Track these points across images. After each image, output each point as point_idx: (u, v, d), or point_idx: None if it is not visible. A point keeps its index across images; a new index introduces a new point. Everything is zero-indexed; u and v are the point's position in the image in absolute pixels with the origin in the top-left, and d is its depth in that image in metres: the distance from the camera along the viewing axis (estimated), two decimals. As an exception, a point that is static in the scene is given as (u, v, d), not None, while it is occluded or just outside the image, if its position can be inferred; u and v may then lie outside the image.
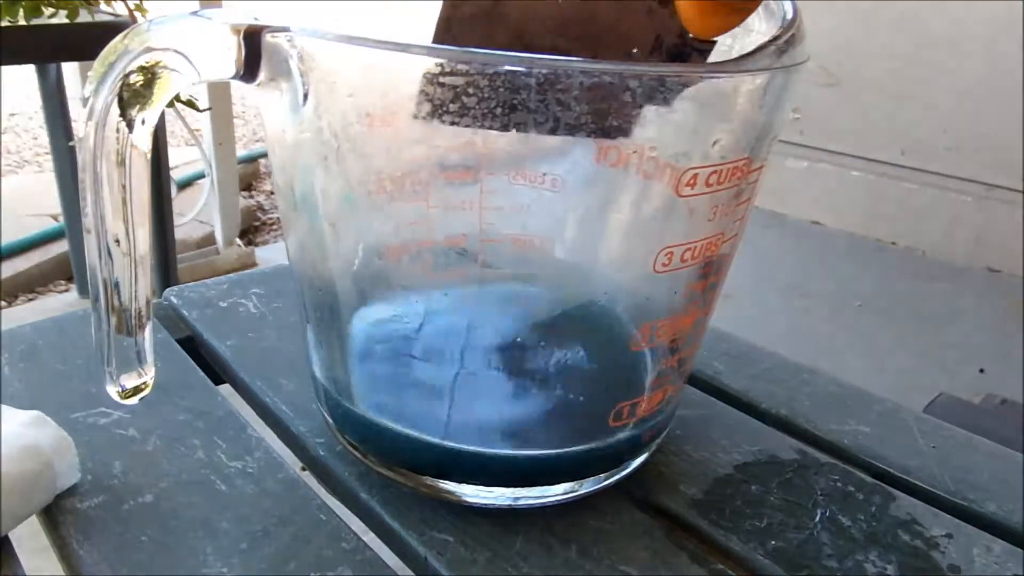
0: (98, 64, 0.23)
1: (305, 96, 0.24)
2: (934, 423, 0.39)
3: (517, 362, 0.30)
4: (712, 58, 0.30)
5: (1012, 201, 1.76)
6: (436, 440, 0.29)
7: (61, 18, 0.95)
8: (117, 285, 0.25)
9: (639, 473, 0.33)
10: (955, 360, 1.40)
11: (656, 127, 0.25)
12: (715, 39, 0.27)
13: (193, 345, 0.42)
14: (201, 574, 0.27)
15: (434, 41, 0.26)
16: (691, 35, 0.26)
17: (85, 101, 0.23)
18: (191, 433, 0.34)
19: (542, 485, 0.30)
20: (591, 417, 0.30)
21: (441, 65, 0.22)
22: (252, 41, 0.24)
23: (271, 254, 1.74)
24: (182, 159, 2.01)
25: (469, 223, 0.26)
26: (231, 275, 0.48)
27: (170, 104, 0.50)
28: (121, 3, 1.03)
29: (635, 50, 0.26)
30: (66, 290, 1.57)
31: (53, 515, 0.29)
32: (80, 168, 0.23)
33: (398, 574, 0.27)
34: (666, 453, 0.35)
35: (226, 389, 0.39)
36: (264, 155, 2.25)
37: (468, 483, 0.30)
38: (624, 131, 0.24)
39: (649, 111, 0.23)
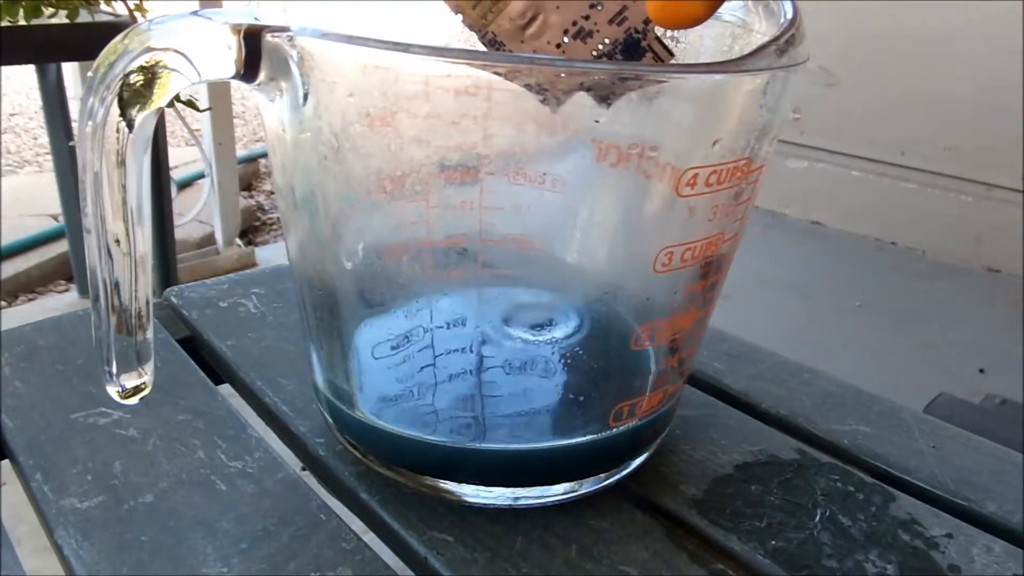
0: (98, 64, 0.23)
1: (305, 96, 0.24)
2: (934, 423, 0.39)
3: (517, 362, 0.30)
4: (712, 58, 0.30)
5: (1012, 201, 1.76)
6: (436, 440, 0.29)
7: (61, 18, 0.95)
8: (117, 285, 0.25)
9: (639, 473, 0.33)
10: (955, 360, 1.40)
11: (656, 127, 0.25)
12: (672, 50, 0.27)
13: (193, 345, 0.42)
14: (201, 574, 0.27)
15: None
16: (654, 25, 0.26)
17: (85, 101, 0.23)
18: (191, 433, 0.34)
19: (542, 485, 0.30)
20: (591, 417, 0.30)
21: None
22: (252, 41, 0.24)
23: (271, 254, 1.74)
24: (182, 159, 2.01)
25: (469, 223, 0.26)
26: (231, 275, 0.48)
27: (170, 104, 0.50)
28: (121, 3, 1.03)
29: (600, 7, 0.26)
30: (66, 290, 1.56)
31: (53, 515, 0.29)
32: (80, 168, 0.23)
33: (398, 574, 0.27)
34: (666, 453, 0.35)
35: (226, 389, 0.39)
36: (264, 155, 2.25)
37: (468, 483, 0.30)
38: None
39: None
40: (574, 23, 0.26)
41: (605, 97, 0.23)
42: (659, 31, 0.27)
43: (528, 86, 0.22)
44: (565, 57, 0.26)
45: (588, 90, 0.23)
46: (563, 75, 0.23)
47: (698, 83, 0.25)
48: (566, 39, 0.26)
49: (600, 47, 0.26)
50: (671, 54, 0.27)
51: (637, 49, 0.26)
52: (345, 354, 0.31)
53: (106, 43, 0.23)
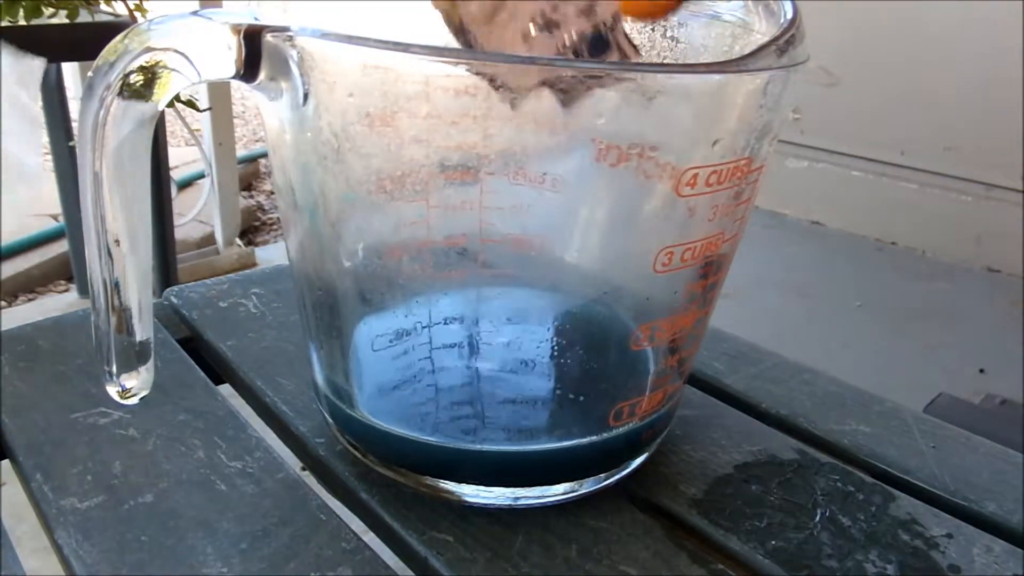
0: (98, 64, 0.23)
1: (305, 96, 0.24)
2: (934, 423, 0.39)
3: (517, 362, 0.30)
4: (713, 58, 0.30)
5: (1012, 201, 1.76)
6: (436, 440, 0.30)
7: (61, 18, 0.95)
8: (117, 285, 0.25)
9: (639, 473, 0.33)
10: (955, 360, 1.40)
11: (656, 127, 0.25)
12: (639, 47, 0.27)
13: (193, 345, 0.42)
14: (201, 574, 0.27)
15: None
16: (622, 21, 0.26)
17: (85, 101, 0.23)
18: (191, 433, 0.34)
19: (542, 485, 0.30)
20: (591, 416, 0.30)
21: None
22: (252, 41, 0.24)
23: (271, 254, 1.74)
24: (182, 159, 2.01)
25: (469, 223, 0.26)
26: (231, 275, 0.48)
27: (170, 104, 0.50)
28: (121, 3, 1.03)
29: None
30: (66, 290, 1.56)
31: (53, 515, 0.29)
32: (80, 168, 0.23)
33: (398, 574, 0.27)
34: (666, 453, 0.35)
35: (226, 389, 0.39)
36: (264, 155, 2.25)
37: (468, 483, 0.30)
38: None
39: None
40: (543, 13, 0.26)
41: (569, 96, 0.23)
42: (628, 27, 0.27)
43: (487, 79, 0.22)
44: (530, 50, 0.26)
45: (552, 87, 0.22)
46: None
47: (698, 83, 0.25)
48: (533, 30, 0.26)
49: (567, 40, 0.26)
50: (638, 52, 0.27)
51: (604, 45, 0.26)
52: (345, 354, 0.31)
53: (106, 43, 0.23)
